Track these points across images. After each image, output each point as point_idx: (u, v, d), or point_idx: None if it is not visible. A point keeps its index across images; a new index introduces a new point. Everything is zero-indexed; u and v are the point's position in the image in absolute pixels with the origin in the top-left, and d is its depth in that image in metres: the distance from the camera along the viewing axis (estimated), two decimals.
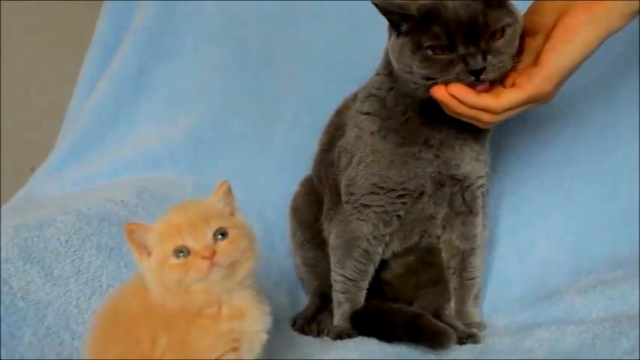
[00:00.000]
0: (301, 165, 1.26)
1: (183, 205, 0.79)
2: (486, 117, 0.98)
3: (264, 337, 0.79)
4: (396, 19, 1.00)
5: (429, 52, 0.97)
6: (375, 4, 0.98)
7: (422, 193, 1.08)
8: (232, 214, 0.80)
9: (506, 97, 0.97)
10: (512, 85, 0.98)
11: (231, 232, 0.76)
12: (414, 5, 0.98)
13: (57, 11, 1.65)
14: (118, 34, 1.44)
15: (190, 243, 0.74)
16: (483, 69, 0.96)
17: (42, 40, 1.65)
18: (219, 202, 0.79)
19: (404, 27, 0.99)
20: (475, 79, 0.96)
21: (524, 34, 1.01)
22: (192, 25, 1.41)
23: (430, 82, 0.98)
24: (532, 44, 1.00)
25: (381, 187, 1.08)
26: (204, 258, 0.73)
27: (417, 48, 0.98)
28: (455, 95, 0.97)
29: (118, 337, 0.76)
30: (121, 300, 0.79)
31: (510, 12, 0.99)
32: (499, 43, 0.97)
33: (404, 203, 1.09)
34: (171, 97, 1.40)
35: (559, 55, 0.95)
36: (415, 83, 1.00)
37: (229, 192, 0.80)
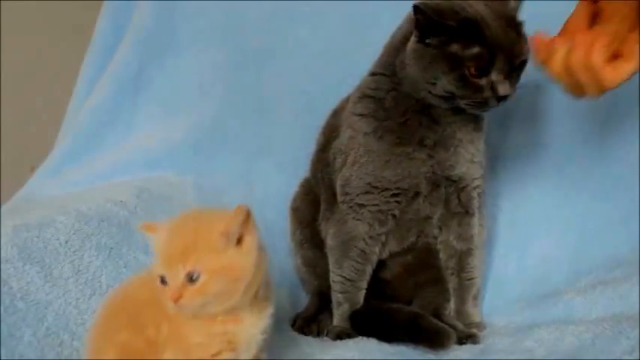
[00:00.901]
0: (301, 165, 1.26)
1: (178, 227, 0.76)
2: (594, 89, 0.94)
3: (260, 338, 0.79)
4: (432, 27, 0.98)
5: (467, 72, 0.97)
6: (417, 8, 0.97)
7: (417, 194, 1.08)
8: (240, 241, 0.75)
9: (622, 71, 0.92)
10: (617, 57, 0.93)
11: (202, 278, 0.72)
12: (450, 15, 0.97)
13: (57, 11, 1.65)
14: (118, 33, 1.43)
15: (166, 276, 0.73)
16: (507, 96, 0.98)
17: (42, 40, 1.65)
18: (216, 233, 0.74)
19: (437, 38, 0.98)
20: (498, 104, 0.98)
21: None
22: (192, 25, 1.41)
23: (448, 96, 0.99)
24: (613, 5, 0.95)
25: (376, 187, 1.08)
26: (169, 298, 0.72)
27: (456, 66, 0.98)
28: (594, 45, 0.92)
29: (125, 322, 0.77)
30: (131, 288, 0.81)
31: (527, 43, 0.99)
32: (519, 72, 0.99)
33: (398, 202, 1.09)
34: (171, 97, 1.40)
35: None
36: (431, 93, 1.01)
37: (246, 219, 0.75)
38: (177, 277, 0.72)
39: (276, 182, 1.35)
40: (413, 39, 1.02)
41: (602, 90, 0.94)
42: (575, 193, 1.28)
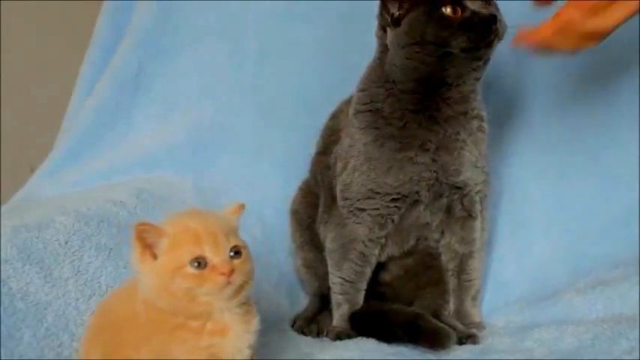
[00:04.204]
0: (300, 166, 1.26)
1: (199, 213, 0.78)
2: (592, 42, 0.96)
3: (246, 352, 0.77)
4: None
5: (446, 11, 0.99)
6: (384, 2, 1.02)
7: (417, 202, 1.08)
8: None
9: (614, 15, 0.93)
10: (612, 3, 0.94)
11: (243, 252, 0.76)
12: None
13: (57, 11, 1.65)
14: (118, 33, 1.43)
15: (209, 255, 0.73)
16: (495, 17, 1.00)
17: (42, 40, 1.65)
18: (235, 220, 0.79)
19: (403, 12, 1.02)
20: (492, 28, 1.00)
21: None
22: (192, 24, 1.41)
23: (444, 50, 1.00)
24: None
25: (377, 193, 1.08)
26: (222, 274, 0.73)
27: (430, 9, 1.00)
28: (570, 18, 0.94)
29: (106, 336, 0.76)
30: (113, 302, 0.80)
31: None
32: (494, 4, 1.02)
33: (398, 207, 1.09)
34: (170, 97, 1.40)
35: None
36: (423, 61, 1.02)
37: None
38: (224, 253, 0.74)
39: (275, 183, 1.35)
40: (389, 33, 1.05)
41: (597, 37, 0.95)
42: (574, 194, 1.28)
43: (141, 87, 1.39)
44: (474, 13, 1.00)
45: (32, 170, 1.39)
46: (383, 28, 1.07)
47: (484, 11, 1.00)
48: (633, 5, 0.93)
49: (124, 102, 1.38)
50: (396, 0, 1.03)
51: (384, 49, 1.07)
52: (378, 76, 1.08)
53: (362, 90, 1.11)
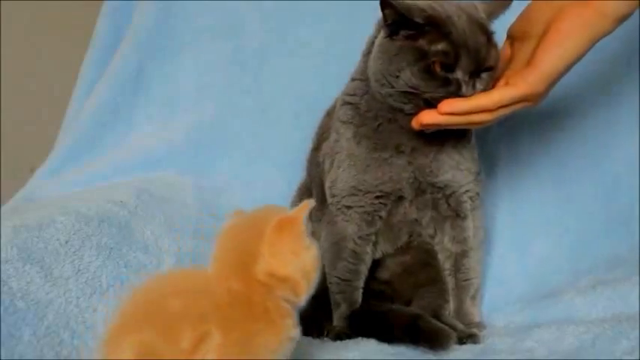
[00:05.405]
0: (301, 166, 1.26)
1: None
2: (480, 117, 0.98)
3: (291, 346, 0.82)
4: (400, 22, 0.98)
5: (433, 65, 0.97)
6: (384, 2, 0.97)
7: (401, 198, 1.08)
8: None
9: (498, 94, 0.97)
10: (506, 84, 0.99)
11: None
12: (417, 12, 0.97)
13: (57, 11, 1.65)
14: (118, 33, 1.43)
15: None
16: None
17: (42, 40, 1.65)
18: None
19: (405, 32, 0.98)
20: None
21: (514, 41, 1.02)
22: (192, 24, 1.41)
23: (411, 91, 0.98)
24: (522, 50, 1.01)
25: (360, 190, 1.08)
26: None
27: (421, 58, 0.97)
28: (449, 112, 0.97)
29: (153, 327, 0.73)
30: (158, 296, 0.76)
31: (498, 52, 1.01)
32: (485, 76, 0.99)
33: (383, 204, 1.09)
34: (171, 97, 1.40)
35: (552, 57, 0.96)
36: (392, 87, 1.00)
37: None
38: None
39: (275, 183, 1.35)
40: (380, 35, 1.02)
41: (490, 114, 0.98)
42: (574, 193, 1.28)
43: (141, 87, 1.39)
44: (456, 81, 0.97)
45: (32, 170, 1.39)
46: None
47: (465, 88, 0.97)
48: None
49: (124, 102, 1.39)
50: (403, 24, 0.98)
51: (374, 40, 1.05)
52: (363, 68, 1.07)
53: (351, 80, 1.11)
